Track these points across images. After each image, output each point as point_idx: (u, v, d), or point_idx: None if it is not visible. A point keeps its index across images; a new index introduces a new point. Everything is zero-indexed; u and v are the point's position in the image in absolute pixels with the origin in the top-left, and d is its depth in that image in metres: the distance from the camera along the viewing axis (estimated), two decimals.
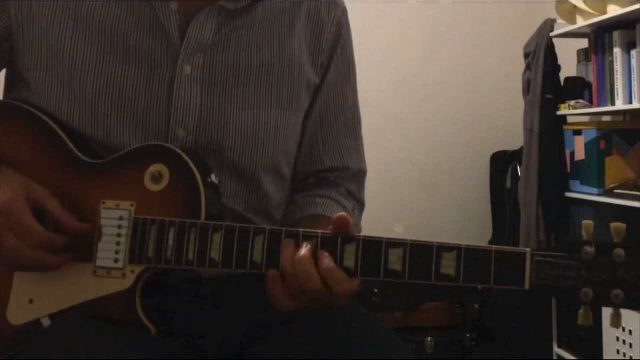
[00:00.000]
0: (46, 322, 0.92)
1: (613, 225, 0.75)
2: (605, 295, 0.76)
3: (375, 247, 0.83)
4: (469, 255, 0.81)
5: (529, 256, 0.79)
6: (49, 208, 0.91)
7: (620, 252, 0.75)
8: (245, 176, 1.02)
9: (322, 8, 1.08)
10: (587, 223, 0.77)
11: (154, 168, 0.91)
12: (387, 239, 0.83)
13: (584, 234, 0.77)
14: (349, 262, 0.84)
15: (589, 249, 0.76)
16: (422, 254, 0.82)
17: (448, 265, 0.81)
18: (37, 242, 0.88)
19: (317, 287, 0.83)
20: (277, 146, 1.03)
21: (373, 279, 0.84)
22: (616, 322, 0.78)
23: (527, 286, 0.78)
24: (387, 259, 0.83)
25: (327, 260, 0.83)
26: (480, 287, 0.82)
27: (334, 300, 0.86)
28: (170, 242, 0.88)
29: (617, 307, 0.77)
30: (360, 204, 1.15)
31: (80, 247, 0.91)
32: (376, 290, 2.80)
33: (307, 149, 1.10)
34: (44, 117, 0.97)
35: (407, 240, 0.83)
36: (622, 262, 0.75)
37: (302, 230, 0.86)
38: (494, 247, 0.80)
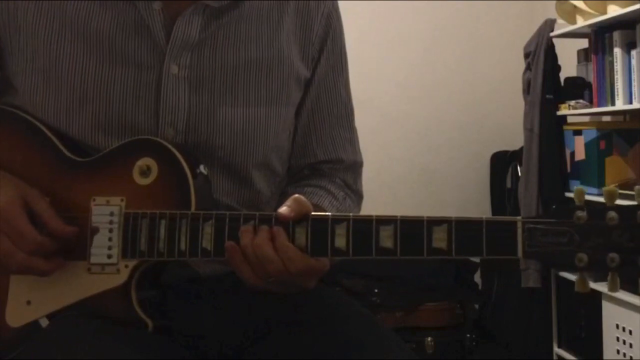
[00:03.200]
0: (44, 323, 0.92)
1: (605, 189, 0.75)
2: (601, 259, 0.75)
3: (366, 226, 0.83)
4: (459, 228, 0.81)
5: (519, 224, 0.78)
6: (38, 210, 0.90)
7: (613, 214, 0.74)
8: (236, 174, 1.01)
9: (311, 1, 1.07)
10: (578, 189, 0.76)
11: (142, 162, 0.92)
12: (377, 216, 0.83)
13: (576, 200, 0.77)
14: (340, 242, 0.84)
15: (581, 214, 0.76)
16: (413, 229, 0.82)
17: (439, 238, 0.81)
18: (29, 248, 0.88)
19: (279, 268, 0.84)
20: (268, 142, 1.02)
21: (366, 258, 0.84)
22: (613, 286, 0.76)
23: (519, 254, 0.78)
24: (378, 236, 0.82)
25: (281, 238, 0.85)
26: (477, 259, 0.81)
27: (296, 280, 0.86)
28: (162, 234, 0.88)
29: (613, 271, 0.75)
30: (356, 194, 1.14)
31: (74, 246, 0.91)
32: (376, 290, 2.79)
33: (300, 143, 1.10)
34: (32, 120, 0.97)
35: (397, 216, 0.83)
36: (615, 225, 0.74)
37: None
38: (484, 217, 0.80)
